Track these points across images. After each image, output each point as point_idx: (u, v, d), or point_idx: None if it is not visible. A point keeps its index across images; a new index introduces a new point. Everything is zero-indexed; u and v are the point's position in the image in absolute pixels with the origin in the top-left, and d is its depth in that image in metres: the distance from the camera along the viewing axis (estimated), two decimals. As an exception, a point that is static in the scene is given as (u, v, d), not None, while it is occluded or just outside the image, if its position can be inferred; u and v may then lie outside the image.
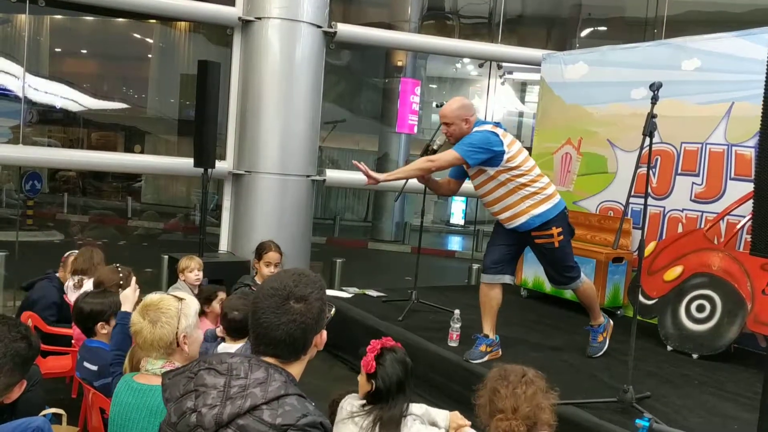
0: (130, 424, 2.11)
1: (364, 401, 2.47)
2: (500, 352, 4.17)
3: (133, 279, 3.11)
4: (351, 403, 2.51)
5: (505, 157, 3.89)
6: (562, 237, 3.99)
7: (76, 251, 4.42)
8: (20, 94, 7.36)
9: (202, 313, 4.02)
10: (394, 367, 2.45)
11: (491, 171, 3.95)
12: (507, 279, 4.16)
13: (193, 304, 2.33)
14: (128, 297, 2.92)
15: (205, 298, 4.10)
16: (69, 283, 4.22)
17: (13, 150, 6.43)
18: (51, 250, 4.43)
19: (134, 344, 2.60)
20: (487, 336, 4.14)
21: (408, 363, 2.51)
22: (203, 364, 1.50)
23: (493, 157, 3.88)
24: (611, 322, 4.48)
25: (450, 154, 3.90)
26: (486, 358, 4.05)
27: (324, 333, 1.64)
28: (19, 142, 6.51)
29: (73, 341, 3.77)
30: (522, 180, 3.96)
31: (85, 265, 4.23)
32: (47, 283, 4.29)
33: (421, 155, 4.20)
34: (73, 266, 4.27)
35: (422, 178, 4.21)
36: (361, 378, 2.49)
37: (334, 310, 1.72)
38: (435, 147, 4.25)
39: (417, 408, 2.62)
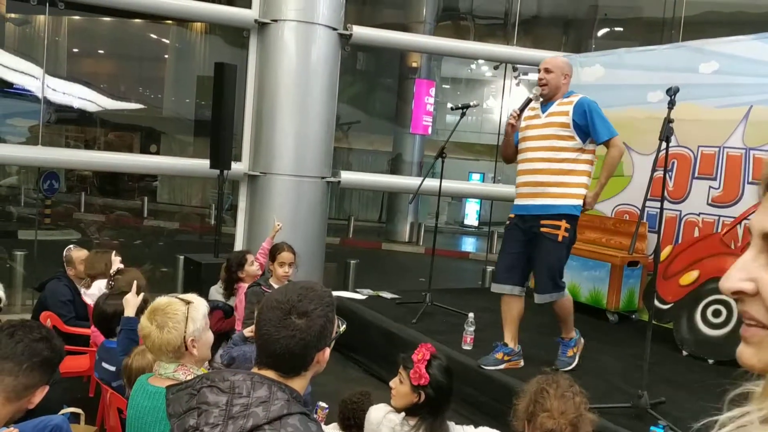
0: (146, 426, 2.13)
1: (405, 414, 2.38)
2: (520, 363, 4.03)
3: (134, 283, 3.10)
4: (390, 419, 2.38)
5: None
6: (567, 234, 3.79)
7: (72, 246, 4.47)
8: (39, 95, 7.43)
9: (238, 280, 4.20)
10: (444, 375, 2.39)
11: (585, 145, 3.79)
12: (517, 291, 3.98)
13: (201, 307, 2.34)
14: (129, 302, 2.93)
15: (237, 264, 4.22)
16: (82, 285, 4.29)
17: (31, 151, 6.51)
18: (68, 249, 4.53)
19: (131, 355, 2.62)
20: (505, 344, 4.03)
21: (451, 369, 2.47)
22: (206, 381, 1.48)
23: None
24: (582, 339, 4.18)
25: (618, 140, 3.75)
26: (502, 366, 3.94)
27: (327, 351, 1.58)
28: (38, 142, 6.58)
29: (91, 341, 3.82)
30: (588, 168, 3.86)
31: (92, 271, 4.27)
32: (57, 283, 4.34)
33: (521, 109, 3.93)
34: (87, 268, 4.32)
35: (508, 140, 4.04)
36: (403, 388, 2.38)
37: (344, 327, 1.67)
38: (532, 97, 3.95)
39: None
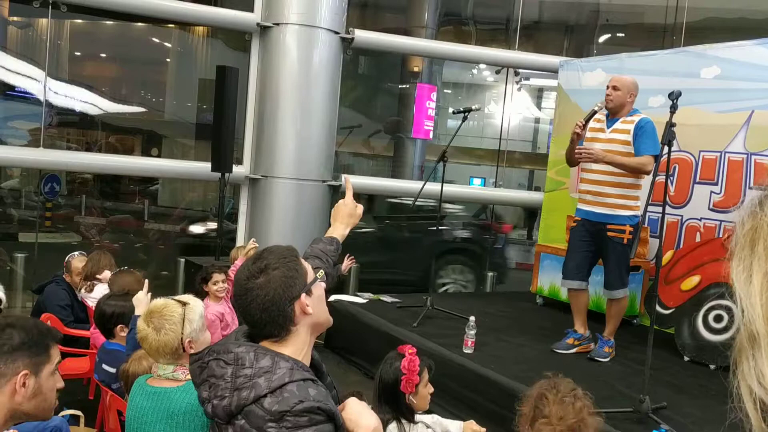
0: (146, 427, 2.13)
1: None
2: (591, 346, 4.46)
3: (146, 282, 3.11)
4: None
5: None
6: (631, 236, 4.15)
7: (76, 253, 4.46)
8: (41, 98, 7.45)
9: (205, 295, 4.02)
10: (385, 371, 2.52)
11: None
12: (584, 285, 4.46)
13: (197, 308, 2.34)
14: (141, 300, 2.93)
15: (202, 278, 4.09)
16: (83, 288, 4.28)
17: (32, 153, 6.52)
18: (69, 251, 4.50)
19: (129, 361, 2.61)
20: (576, 331, 4.49)
21: (387, 385, 2.51)
22: (212, 354, 1.54)
23: None
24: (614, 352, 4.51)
25: (650, 159, 4.06)
26: (573, 351, 4.43)
27: (304, 298, 1.54)
28: (39, 144, 6.59)
29: (91, 343, 3.82)
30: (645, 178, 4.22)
31: (94, 269, 4.27)
32: (55, 287, 4.34)
33: (587, 120, 4.32)
34: (84, 271, 4.32)
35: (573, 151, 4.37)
36: None
37: (321, 272, 1.67)
38: (596, 109, 4.34)
39: (428, 418, 2.59)
